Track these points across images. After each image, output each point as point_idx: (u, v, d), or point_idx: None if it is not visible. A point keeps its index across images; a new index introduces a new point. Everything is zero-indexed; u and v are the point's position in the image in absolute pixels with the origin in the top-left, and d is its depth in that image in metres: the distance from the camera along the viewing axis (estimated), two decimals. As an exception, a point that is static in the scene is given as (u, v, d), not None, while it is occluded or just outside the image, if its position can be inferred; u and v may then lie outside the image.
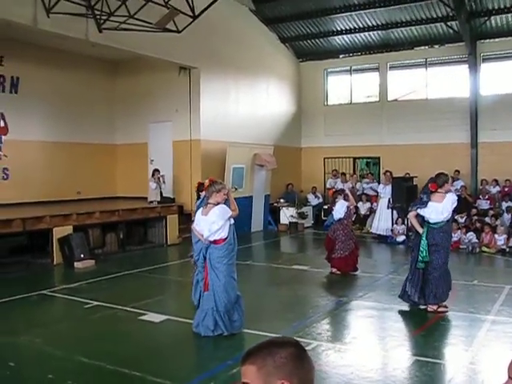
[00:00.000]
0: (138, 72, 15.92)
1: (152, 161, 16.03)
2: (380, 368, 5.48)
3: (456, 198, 7.69)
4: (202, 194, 9.20)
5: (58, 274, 10.70)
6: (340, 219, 10.09)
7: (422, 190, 7.85)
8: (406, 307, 7.55)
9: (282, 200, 17.89)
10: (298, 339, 5.43)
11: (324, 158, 19.41)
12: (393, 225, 14.44)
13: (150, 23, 11.44)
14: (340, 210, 10.07)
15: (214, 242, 6.32)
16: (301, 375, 1.86)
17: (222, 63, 15.60)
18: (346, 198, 10.27)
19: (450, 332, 6.65)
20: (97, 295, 8.45)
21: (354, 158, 19.13)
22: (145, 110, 15.85)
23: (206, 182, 6.71)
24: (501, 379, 1.61)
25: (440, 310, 7.23)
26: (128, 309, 7.66)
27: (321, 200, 18.35)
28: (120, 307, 7.76)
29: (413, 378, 5.13)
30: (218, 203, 6.42)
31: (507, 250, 12.15)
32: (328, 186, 18.56)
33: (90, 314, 7.52)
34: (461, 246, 12.55)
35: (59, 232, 11.21)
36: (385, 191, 14.92)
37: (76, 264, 10.94)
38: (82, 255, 11.16)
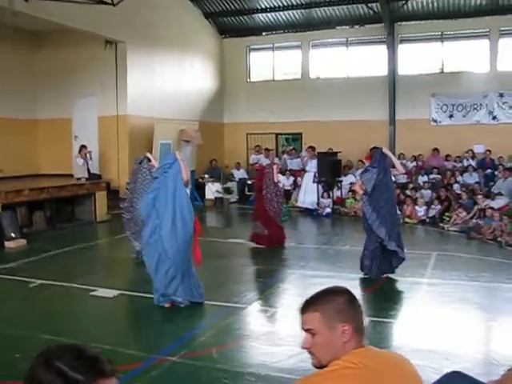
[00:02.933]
0: (61, 45, 15.28)
1: (76, 137, 15.56)
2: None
3: None
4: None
5: (-12, 254, 10.29)
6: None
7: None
8: (347, 275, 8.01)
9: (206, 176, 17.98)
10: (255, 306, 5.70)
11: (247, 134, 19.64)
12: (318, 199, 14.99)
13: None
14: None
15: None
16: (357, 318, 2.12)
17: (148, 38, 15.34)
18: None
19: (393, 295, 7.17)
20: (38, 274, 8.23)
21: (277, 134, 19.55)
22: (69, 84, 15.28)
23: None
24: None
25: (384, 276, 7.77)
26: (76, 285, 7.55)
27: (245, 175, 18.63)
28: (67, 284, 7.63)
29: (369, 337, 5.54)
30: None
31: (427, 220, 13.04)
32: (251, 161, 18.89)
33: (38, 293, 7.36)
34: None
35: (-14, 211, 10.75)
36: (310, 166, 15.42)
37: (7, 243, 10.51)
38: (13, 234, 10.75)
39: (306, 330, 2.12)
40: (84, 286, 7.48)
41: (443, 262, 8.98)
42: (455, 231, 11.91)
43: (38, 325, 6.01)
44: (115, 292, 7.20)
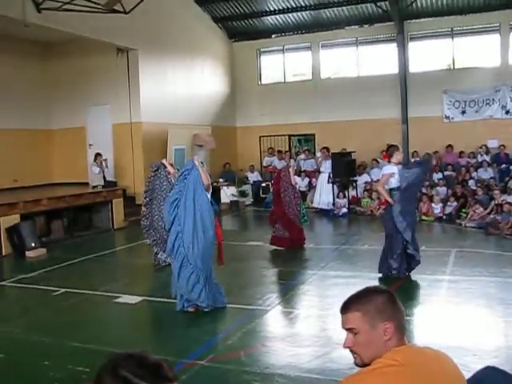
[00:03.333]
0: (72, 54, 15.43)
1: (91, 145, 15.71)
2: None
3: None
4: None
5: (11, 265, 10.35)
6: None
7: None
8: (368, 274, 8.02)
9: (221, 179, 18.05)
10: (278, 308, 5.72)
11: (260, 137, 19.71)
12: (334, 199, 15.00)
13: (96, 3, 11.18)
14: None
15: None
16: (398, 317, 2.15)
17: (158, 45, 15.45)
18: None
19: (416, 293, 7.17)
20: (61, 282, 8.31)
21: (289, 136, 19.57)
22: (82, 93, 15.44)
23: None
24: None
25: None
26: (99, 293, 7.63)
27: (259, 178, 18.68)
28: (90, 292, 7.72)
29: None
30: None
31: (444, 217, 13.01)
32: (265, 163, 18.96)
33: (62, 301, 7.44)
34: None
35: (6, 221, 10.86)
36: (325, 166, 15.44)
37: (28, 253, 10.63)
38: (33, 244, 10.87)
39: (348, 330, 2.15)
40: (107, 294, 7.56)
41: (463, 258, 8.97)
42: (473, 227, 11.88)
43: (64, 332, 6.08)
44: (138, 298, 7.26)
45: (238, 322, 6.24)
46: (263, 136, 19.63)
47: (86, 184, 15.02)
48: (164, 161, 9.56)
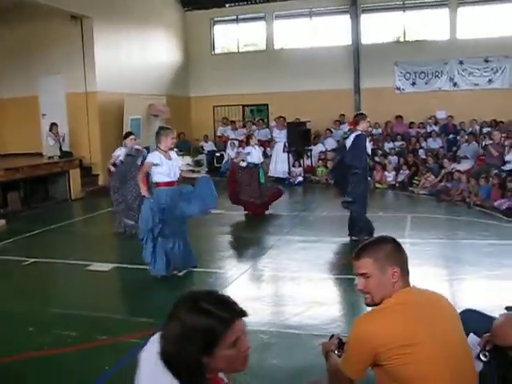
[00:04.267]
0: (23, 21, 14.86)
1: (44, 115, 15.36)
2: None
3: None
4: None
5: (-30, 236, 10.22)
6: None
7: None
8: (331, 239, 8.39)
9: (176, 149, 17.97)
10: (250, 272, 6.05)
11: (213, 107, 19.72)
12: (290, 168, 15.31)
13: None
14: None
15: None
16: (402, 262, 2.43)
17: (112, 12, 15.12)
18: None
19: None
20: (27, 252, 8.25)
21: (243, 106, 19.68)
22: (33, 61, 14.95)
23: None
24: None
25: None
26: (69, 261, 7.63)
27: (214, 147, 18.78)
28: (60, 261, 7.73)
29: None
30: (170, 149, 6.68)
31: (396, 184, 13.56)
32: (218, 133, 19.03)
33: (33, 270, 7.45)
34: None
35: (-38, 192, 10.65)
36: (280, 136, 15.69)
37: (-14, 224, 10.51)
38: (-8, 215, 10.73)
39: (361, 275, 2.42)
40: (77, 262, 7.59)
41: (419, 223, 9.45)
42: (425, 194, 12.45)
43: (43, 300, 6.15)
44: (110, 265, 7.37)
45: (213, 284, 6.47)
46: (217, 106, 19.65)
47: (40, 155, 14.76)
48: (137, 146, 9.59)
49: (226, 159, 17.35)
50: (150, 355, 1.75)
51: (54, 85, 15.01)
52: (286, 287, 6.43)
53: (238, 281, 6.54)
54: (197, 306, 1.66)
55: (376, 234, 8.22)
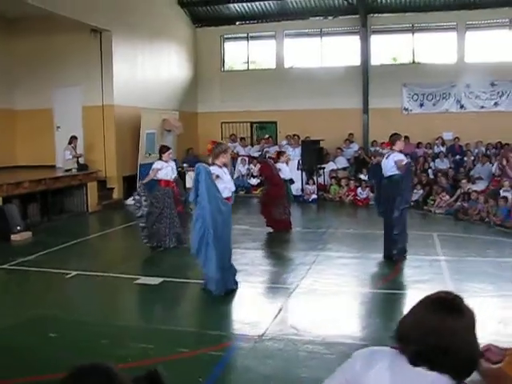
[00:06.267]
0: (40, 32, 14.88)
1: (58, 127, 15.37)
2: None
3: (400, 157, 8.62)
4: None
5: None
6: None
7: None
8: (368, 255, 8.56)
9: (185, 164, 18.12)
10: (302, 285, 6.09)
11: (221, 123, 19.88)
12: (303, 185, 15.50)
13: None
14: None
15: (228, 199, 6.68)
16: None
17: (130, 27, 15.27)
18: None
19: (424, 271, 7.70)
20: (65, 265, 8.27)
21: (251, 123, 19.86)
22: (50, 73, 14.97)
23: (209, 146, 6.98)
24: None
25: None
26: (114, 275, 7.64)
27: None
28: (104, 274, 7.69)
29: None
30: (225, 164, 6.79)
31: (411, 204, 13.77)
32: (226, 150, 19.13)
33: (80, 283, 7.49)
34: (370, 202, 13.89)
35: (-14, 205, 10.60)
36: (294, 153, 15.89)
37: (13, 237, 10.39)
38: (18, 227, 10.67)
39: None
40: (123, 275, 7.62)
41: (447, 241, 9.69)
42: (441, 213, 12.70)
43: (104, 312, 6.20)
44: (158, 279, 7.34)
45: (271, 298, 6.57)
46: (224, 122, 19.81)
47: (53, 167, 14.74)
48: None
49: (236, 175, 17.47)
50: None
51: (69, 97, 15.04)
52: (342, 301, 6.57)
53: (294, 294, 6.65)
54: None
55: (409, 251, 8.46)
